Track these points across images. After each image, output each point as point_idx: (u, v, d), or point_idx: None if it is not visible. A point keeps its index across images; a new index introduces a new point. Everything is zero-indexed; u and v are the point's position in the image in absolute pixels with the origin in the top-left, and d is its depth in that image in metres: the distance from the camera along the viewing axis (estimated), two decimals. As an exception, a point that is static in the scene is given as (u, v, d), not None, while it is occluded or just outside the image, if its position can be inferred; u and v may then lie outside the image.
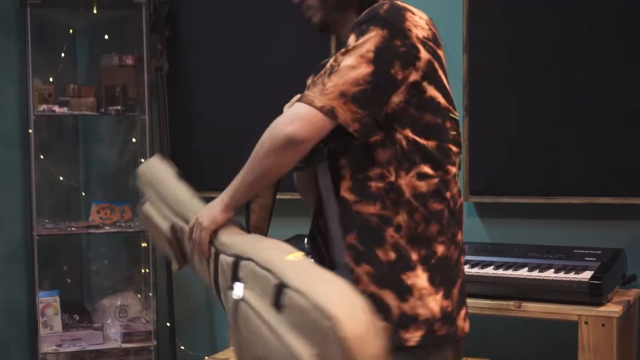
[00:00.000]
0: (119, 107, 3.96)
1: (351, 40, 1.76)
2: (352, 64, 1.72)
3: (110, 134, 4.30)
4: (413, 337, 1.77)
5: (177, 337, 4.01)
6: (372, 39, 1.73)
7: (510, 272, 2.79)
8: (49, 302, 3.88)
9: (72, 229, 3.99)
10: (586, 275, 2.71)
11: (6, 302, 4.03)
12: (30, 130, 3.85)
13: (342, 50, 1.76)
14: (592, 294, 2.65)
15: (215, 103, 3.91)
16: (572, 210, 3.18)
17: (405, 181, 1.78)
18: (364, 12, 1.81)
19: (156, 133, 3.98)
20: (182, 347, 4.09)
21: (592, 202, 3.13)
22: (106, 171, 4.30)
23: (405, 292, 1.77)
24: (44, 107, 3.90)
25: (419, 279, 1.78)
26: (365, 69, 1.72)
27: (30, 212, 3.90)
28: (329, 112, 1.71)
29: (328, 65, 1.76)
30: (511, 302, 2.74)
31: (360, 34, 1.75)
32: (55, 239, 4.10)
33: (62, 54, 4.16)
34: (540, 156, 3.19)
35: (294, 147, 1.74)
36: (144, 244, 4.05)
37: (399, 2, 1.83)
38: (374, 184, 1.80)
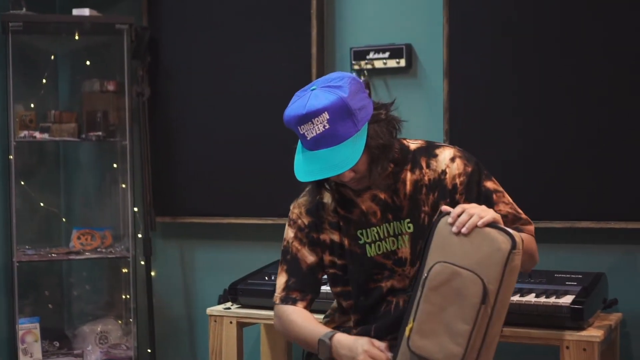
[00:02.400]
0: (100, 133, 3.95)
1: (490, 184, 2.28)
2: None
3: (91, 159, 4.28)
4: None
5: (158, 364, 3.99)
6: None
7: (491, 297, 2.79)
8: (29, 329, 3.84)
9: (53, 255, 3.96)
10: (567, 299, 2.71)
11: (-15, 329, 3.99)
12: (11, 157, 3.82)
13: (494, 190, 2.28)
14: (574, 319, 2.66)
15: (196, 129, 3.90)
16: (553, 234, 3.19)
17: None
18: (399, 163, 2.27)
19: (137, 158, 3.96)
20: (164, 374, 4.06)
21: (573, 226, 3.14)
22: (87, 197, 4.28)
23: None
24: (24, 133, 3.88)
25: None
26: None
27: (10, 238, 3.87)
28: None
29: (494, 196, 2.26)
30: (493, 327, 2.73)
31: (488, 177, 2.29)
32: (36, 265, 4.07)
33: (44, 80, 4.14)
34: (520, 181, 3.20)
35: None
36: (124, 270, 4.02)
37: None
38: None
